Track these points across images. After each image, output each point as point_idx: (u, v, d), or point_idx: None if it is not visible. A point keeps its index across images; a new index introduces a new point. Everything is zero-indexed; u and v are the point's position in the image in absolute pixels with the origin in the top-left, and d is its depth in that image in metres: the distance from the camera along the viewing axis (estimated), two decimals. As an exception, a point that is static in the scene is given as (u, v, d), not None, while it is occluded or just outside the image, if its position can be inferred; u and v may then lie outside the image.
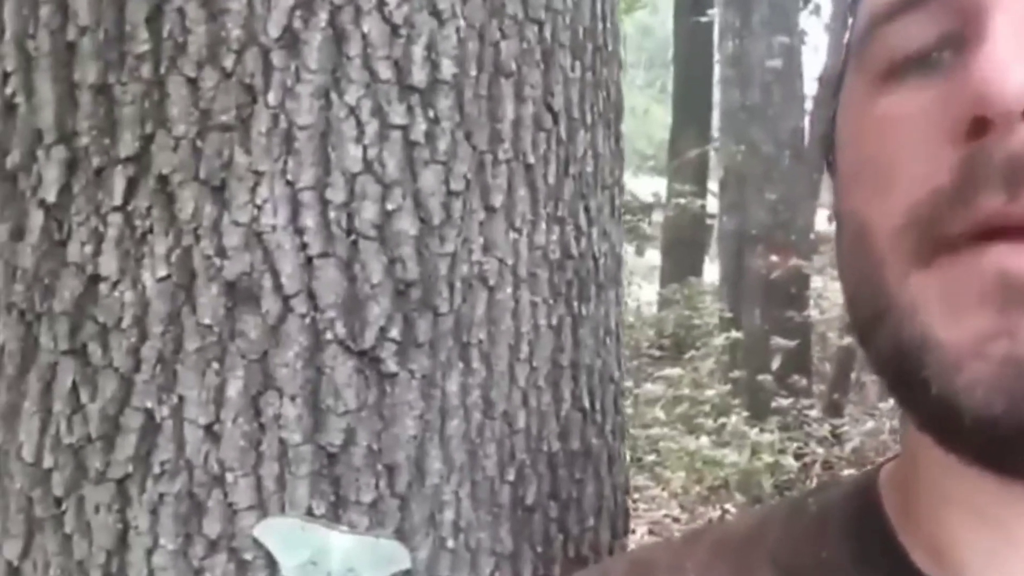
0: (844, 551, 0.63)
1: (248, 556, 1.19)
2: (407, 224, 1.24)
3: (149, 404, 1.19)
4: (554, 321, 1.43)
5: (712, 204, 10.20)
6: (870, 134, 0.54)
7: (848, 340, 6.14)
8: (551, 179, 1.41)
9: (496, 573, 1.38)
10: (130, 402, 1.19)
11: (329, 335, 1.20)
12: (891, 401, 4.73)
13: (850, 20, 0.65)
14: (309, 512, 1.20)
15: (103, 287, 1.20)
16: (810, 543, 0.65)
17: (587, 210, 1.49)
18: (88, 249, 1.21)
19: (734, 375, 6.43)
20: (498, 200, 1.33)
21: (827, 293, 7.11)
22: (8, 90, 1.24)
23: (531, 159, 1.36)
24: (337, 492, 1.22)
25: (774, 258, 6.08)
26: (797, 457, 5.29)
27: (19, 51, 1.23)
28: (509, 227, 1.35)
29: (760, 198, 6.45)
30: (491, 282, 1.33)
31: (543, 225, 1.40)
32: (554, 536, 1.48)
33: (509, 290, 1.36)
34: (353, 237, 1.21)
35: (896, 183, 0.50)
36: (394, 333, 1.23)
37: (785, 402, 5.65)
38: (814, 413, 5.72)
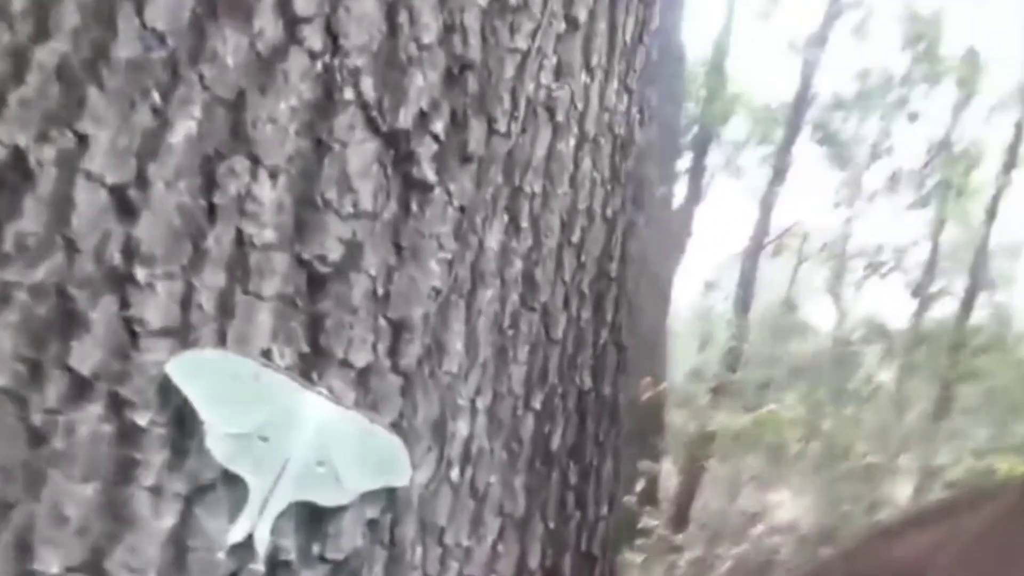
0: None
1: (142, 418, 0.63)
2: (477, -13, 0.82)
3: (22, 142, 0.65)
4: (609, 212, 1.01)
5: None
6: None
7: (695, 465, 5.93)
8: (628, 36, 1.03)
9: (499, 544, 0.87)
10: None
11: (349, 93, 0.72)
12: (760, 528, 4.49)
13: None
14: (266, 359, 0.67)
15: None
16: None
17: (648, 103, 1.12)
18: None
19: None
20: (582, 15, 0.93)
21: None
22: None
23: (618, -7, 0.99)
24: (315, 338, 0.70)
25: (646, 380, 5.90)
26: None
27: None
28: (585, 62, 0.95)
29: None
30: (558, 117, 0.91)
31: (615, 84, 1.01)
32: (571, 512, 0.98)
33: (572, 141, 0.94)
34: (406, -32, 0.77)
35: None
36: (438, 126, 0.77)
37: (652, 523, 5.25)
38: (679, 538, 5.36)
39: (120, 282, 0.64)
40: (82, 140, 0.65)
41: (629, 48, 1.04)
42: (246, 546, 0.64)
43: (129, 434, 0.63)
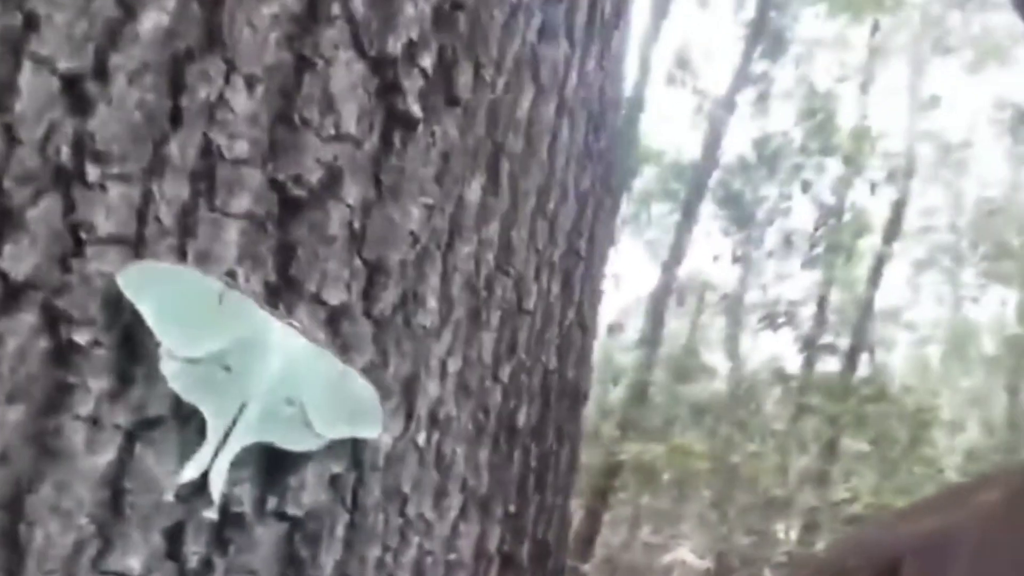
0: None
1: (82, 336, 0.54)
2: (472, -72, 0.77)
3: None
4: (583, 186, 0.97)
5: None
6: None
7: (601, 498, 5.91)
8: (606, 14, 1.01)
9: (460, 522, 0.79)
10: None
11: (336, 9, 0.66)
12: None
13: None
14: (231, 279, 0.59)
15: None
16: None
17: (620, 88, 1.10)
18: None
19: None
20: (565, -15, 0.90)
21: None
22: None
23: (600, -24, 0.97)
24: (285, 267, 0.62)
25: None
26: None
27: None
28: (568, 30, 0.91)
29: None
30: (542, 79, 0.87)
31: (592, 61, 0.98)
32: (530, 496, 0.91)
33: (552, 106, 0.90)
34: None
35: None
36: (426, 61, 0.72)
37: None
38: (585, 568, 5.29)
39: (66, 180, 0.55)
40: (31, 20, 0.56)
41: (606, 28, 1.02)
42: (196, 492, 0.55)
43: (65, 354, 0.53)
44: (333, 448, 0.63)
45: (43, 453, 0.52)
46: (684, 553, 4.47)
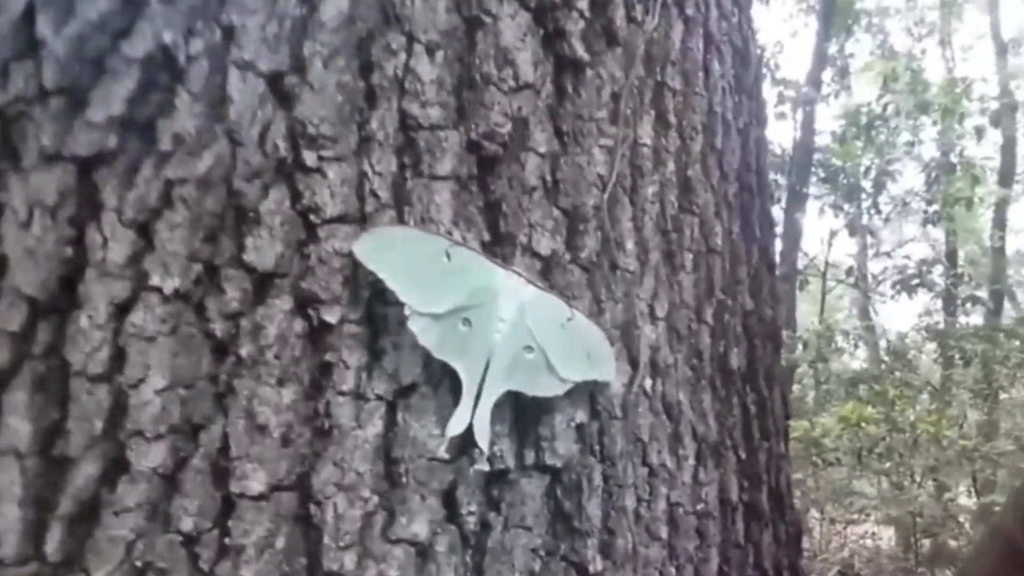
0: None
1: (333, 315, 0.54)
2: None
3: (168, 39, 0.58)
4: (741, 123, 0.93)
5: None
6: None
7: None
8: None
9: (699, 470, 0.75)
10: None
11: (498, -39, 0.66)
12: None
13: None
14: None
15: None
16: None
17: (752, 42, 1.05)
18: None
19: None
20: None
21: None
22: None
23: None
24: (495, 223, 0.61)
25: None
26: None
27: None
28: None
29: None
30: (687, 11, 0.84)
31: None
32: (757, 443, 0.87)
33: (701, 43, 0.86)
34: None
35: None
36: (582, 2, 0.70)
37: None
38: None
39: (289, 170, 0.56)
40: (229, 31, 0.59)
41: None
42: (460, 451, 0.55)
43: (319, 334, 0.54)
44: (573, 396, 0.61)
45: (318, 432, 0.52)
46: (870, 525, 4.20)
